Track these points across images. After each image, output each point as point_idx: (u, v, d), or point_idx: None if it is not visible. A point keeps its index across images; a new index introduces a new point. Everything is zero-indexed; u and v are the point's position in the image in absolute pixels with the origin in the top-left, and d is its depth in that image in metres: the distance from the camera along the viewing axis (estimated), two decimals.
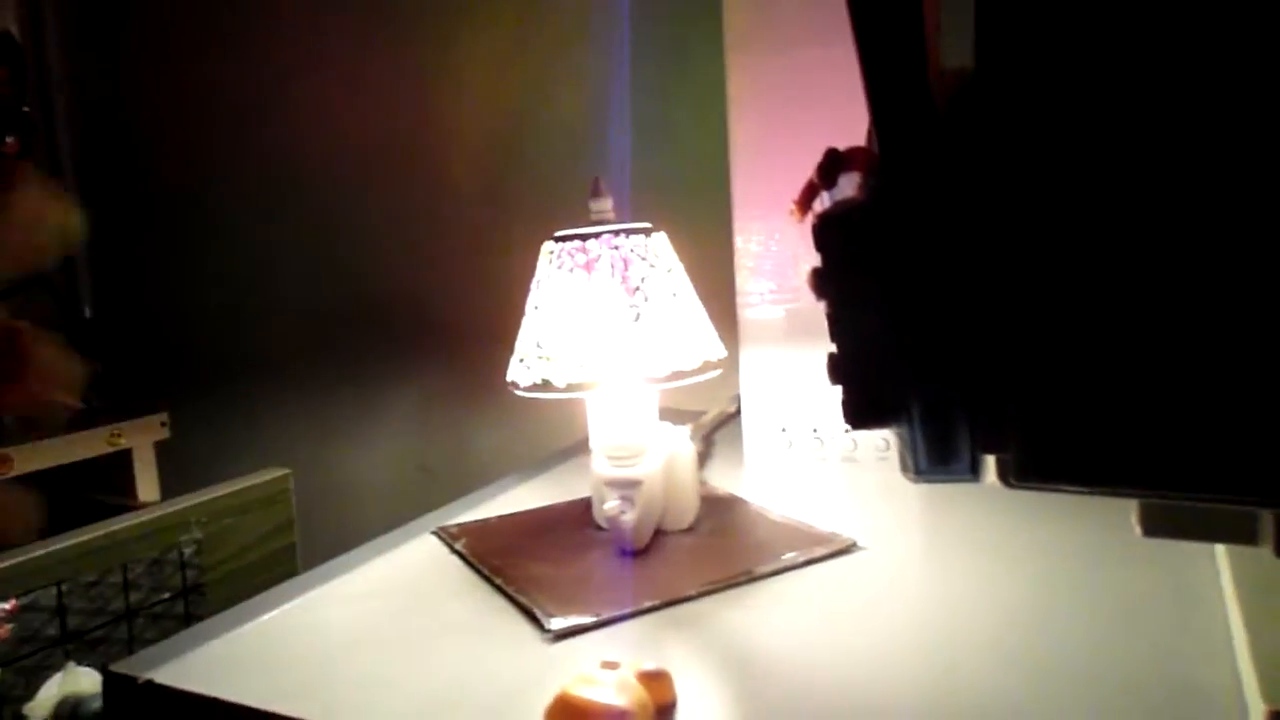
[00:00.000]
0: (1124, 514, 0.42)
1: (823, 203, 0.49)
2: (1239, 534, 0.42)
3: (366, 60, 1.31)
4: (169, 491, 1.11)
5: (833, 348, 0.41)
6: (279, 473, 0.92)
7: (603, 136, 1.13)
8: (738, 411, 1.01)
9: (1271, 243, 0.30)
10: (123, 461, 1.07)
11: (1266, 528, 0.40)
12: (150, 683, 0.54)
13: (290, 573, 0.94)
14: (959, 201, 0.38)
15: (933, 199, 0.38)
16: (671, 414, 1.01)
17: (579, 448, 0.99)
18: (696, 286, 0.72)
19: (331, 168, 1.36)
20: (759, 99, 0.85)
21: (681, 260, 0.70)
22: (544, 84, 1.21)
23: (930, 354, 0.39)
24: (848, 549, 0.65)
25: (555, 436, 1.22)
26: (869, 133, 0.43)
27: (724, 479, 0.84)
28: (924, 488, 0.81)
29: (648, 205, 0.97)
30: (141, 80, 1.49)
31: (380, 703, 0.49)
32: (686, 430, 0.73)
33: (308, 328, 1.38)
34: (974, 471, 0.40)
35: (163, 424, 1.10)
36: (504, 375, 1.30)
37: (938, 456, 0.40)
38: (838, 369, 0.40)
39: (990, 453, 0.39)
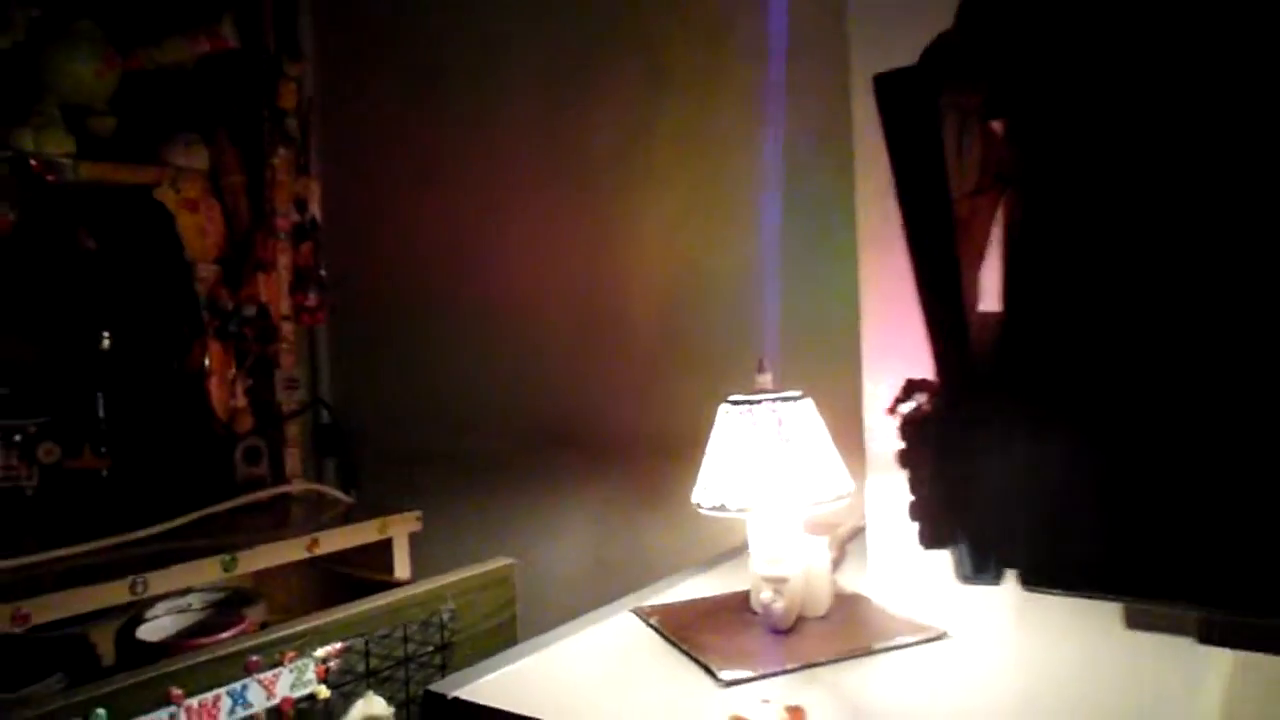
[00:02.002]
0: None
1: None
2: (1185, 629, 0.64)
3: (566, 215, 1.63)
4: (417, 570, 1.41)
5: (911, 498, 0.66)
6: (507, 561, 1.20)
7: (757, 302, 1.40)
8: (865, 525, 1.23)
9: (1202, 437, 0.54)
10: (382, 546, 1.38)
11: (1190, 625, 0.63)
12: (457, 699, 0.81)
13: (511, 639, 1.21)
14: (984, 411, 0.63)
15: (966, 413, 0.63)
16: (817, 526, 1.25)
17: (733, 552, 1.24)
18: (830, 426, 0.97)
19: (535, 304, 1.67)
20: (887, 286, 1.10)
21: (819, 405, 0.96)
22: (709, 246, 1.49)
23: (969, 507, 0.64)
24: (940, 637, 0.87)
25: (710, 540, 1.46)
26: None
27: (852, 580, 1.07)
28: (1000, 596, 1.02)
29: (792, 356, 1.24)
30: (386, 226, 1.87)
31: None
32: (825, 540, 0.97)
33: (513, 440, 1.69)
34: (998, 579, 0.64)
35: (418, 519, 1.41)
36: (669, 486, 1.57)
37: (976, 569, 0.64)
38: (912, 512, 0.65)
39: (1007, 568, 0.63)
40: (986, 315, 0.65)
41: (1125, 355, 0.57)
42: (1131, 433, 0.57)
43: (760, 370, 0.91)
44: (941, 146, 0.63)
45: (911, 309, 1.12)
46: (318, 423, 1.86)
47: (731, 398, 0.91)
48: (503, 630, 1.19)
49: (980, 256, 0.68)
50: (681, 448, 1.48)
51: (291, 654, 0.96)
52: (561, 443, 1.63)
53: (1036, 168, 0.61)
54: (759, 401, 0.89)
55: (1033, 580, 0.62)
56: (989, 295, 0.68)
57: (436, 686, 0.83)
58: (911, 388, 0.65)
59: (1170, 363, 0.55)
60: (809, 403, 0.92)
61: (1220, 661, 0.74)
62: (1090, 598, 0.62)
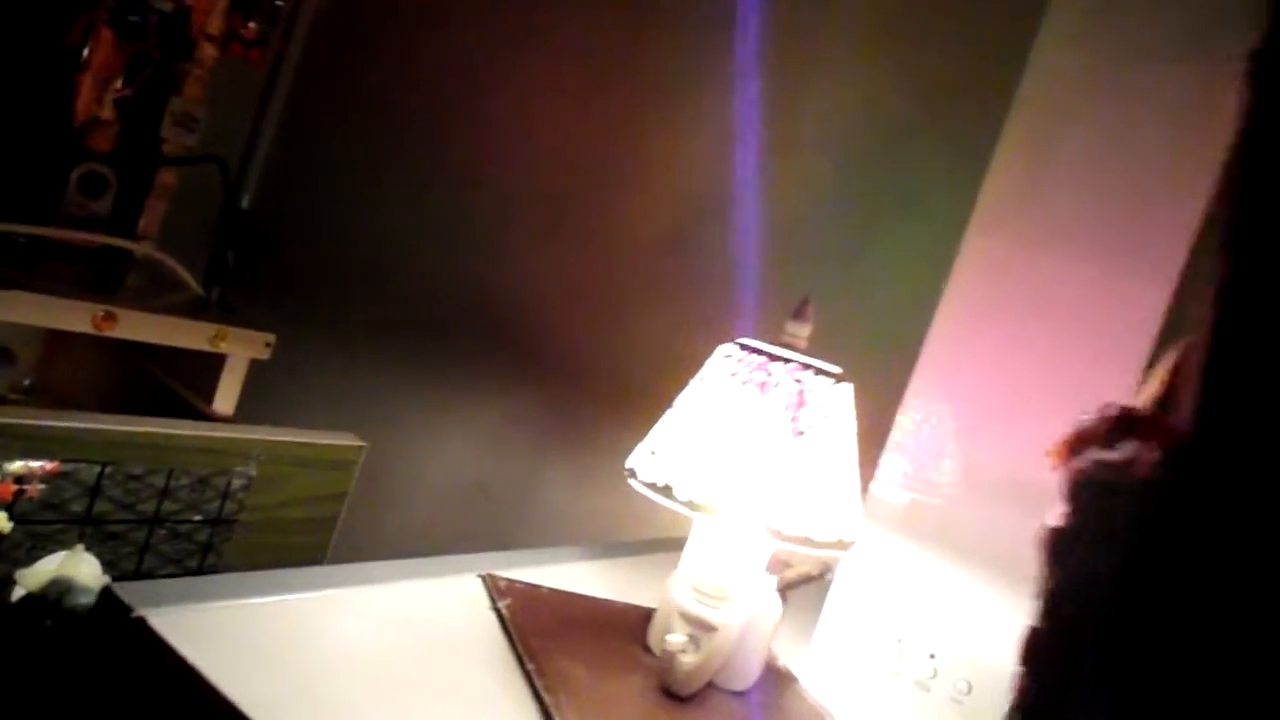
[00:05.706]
0: None
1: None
2: None
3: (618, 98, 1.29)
4: (243, 412, 1.08)
5: (1036, 623, 0.34)
6: (355, 442, 0.87)
7: (802, 250, 1.07)
8: (821, 575, 0.93)
9: None
10: (214, 364, 1.04)
11: None
12: (140, 619, 0.49)
13: (323, 544, 0.89)
14: (1255, 509, 0.31)
15: (1219, 500, 0.31)
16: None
17: (655, 545, 0.93)
18: None
19: (510, 176, 1.34)
20: (979, 286, 0.79)
21: None
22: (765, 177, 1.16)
23: (1143, 689, 0.32)
24: None
25: (626, 518, 1.15)
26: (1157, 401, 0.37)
27: (787, 648, 0.76)
28: None
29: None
30: (375, 34, 1.52)
31: None
32: (775, 586, 0.66)
33: (426, 314, 1.35)
34: None
35: (267, 344, 1.07)
36: (594, 432, 1.25)
37: None
38: (1033, 649, 0.33)
39: None
40: None
41: None
42: None
43: (799, 316, 0.59)
44: None
45: (1004, 307, 0.80)
46: (229, 204, 1.51)
47: (741, 340, 0.59)
48: (314, 529, 0.87)
49: None
50: (642, 392, 1.15)
51: None
52: (499, 339, 1.29)
53: None
54: (784, 360, 0.57)
55: None
56: None
57: (122, 589, 0.51)
58: (1125, 423, 0.33)
59: None
60: (849, 390, 0.60)
61: None
62: None
